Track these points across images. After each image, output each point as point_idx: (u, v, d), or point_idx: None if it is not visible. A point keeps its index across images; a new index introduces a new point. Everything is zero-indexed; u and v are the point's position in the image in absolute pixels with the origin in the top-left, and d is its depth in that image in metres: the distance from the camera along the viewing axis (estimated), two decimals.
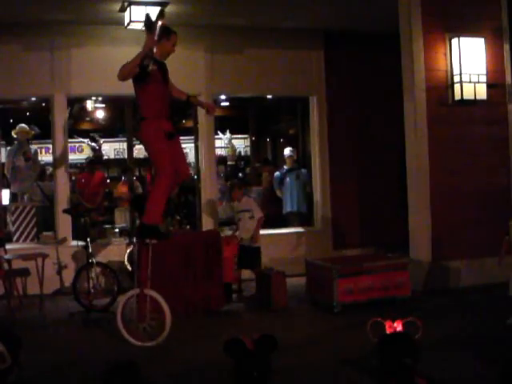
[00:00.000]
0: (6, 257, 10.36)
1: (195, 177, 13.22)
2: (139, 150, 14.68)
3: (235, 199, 11.02)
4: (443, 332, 7.86)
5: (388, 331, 6.07)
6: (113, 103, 15.73)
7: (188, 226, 13.25)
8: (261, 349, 5.49)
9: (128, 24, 10.90)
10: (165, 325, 7.87)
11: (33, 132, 13.24)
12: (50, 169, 13.82)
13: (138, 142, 12.52)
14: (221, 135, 16.01)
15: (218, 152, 15.22)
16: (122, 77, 7.72)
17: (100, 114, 16.90)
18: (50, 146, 13.17)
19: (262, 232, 11.24)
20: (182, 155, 8.42)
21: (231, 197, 11.25)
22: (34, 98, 13.51)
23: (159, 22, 7.62)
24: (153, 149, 7.95)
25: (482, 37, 10.99)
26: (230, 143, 16.62)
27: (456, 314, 9.09)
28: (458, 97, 10.84)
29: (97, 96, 14.36)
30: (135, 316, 8.11)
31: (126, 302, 8.16)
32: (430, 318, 7.35)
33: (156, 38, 7.65)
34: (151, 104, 7.79)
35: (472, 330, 8.12)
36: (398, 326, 6.06)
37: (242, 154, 17.25)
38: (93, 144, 15.35)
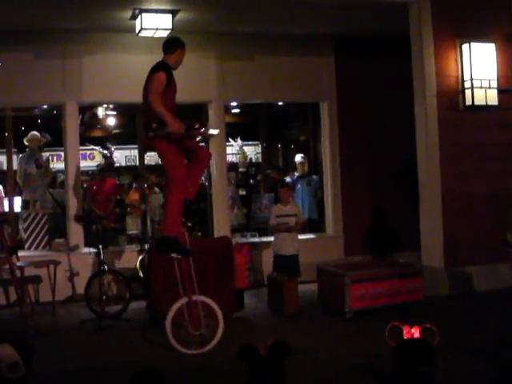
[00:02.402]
0: (19, 264, 10.40)
1: (206, 183, 13.24)
2: (151, 157, 14.71)
3: (285, 201, 10.98)
4: (456, 337, 7.82)
5: (405, 337, 6.05)
6: (124, 110, 15.75)
7: (199, 233, 13.25)
8: (274, 355, 5.48)
9: (139, 32, 10.92)
10: (217, 330, 7.96)
11: (44, 139, 13.28)
12: (62, 176, 13.87)
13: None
14: (232, 142, 16.01)
15: (229, 159, 15.21)
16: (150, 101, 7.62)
17: (111, 122, 16.92)
18: (62, 153, 13.21)
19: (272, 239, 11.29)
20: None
21: (281, 198, 11.12)
22: (45, 106, 13.55)
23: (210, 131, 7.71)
24: (170, 161, 7.91)
25: (493, 42, 10.99)
26: (241, 150, 16.61)
27: (469, 319, 9.06)
28: (468, 102, 10.84)
29: (108, 103, 14.40)
30: (188, 324, 8.03)
31: (176, 311, 8.06)
32: (443, 324, 7.30)
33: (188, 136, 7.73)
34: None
35: (485, 335, 8.09)
36: (416, 332, 6.04)
37: (253, 160, 17.23)
38: (104, 151, 15.37)
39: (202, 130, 7.80)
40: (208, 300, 8.05)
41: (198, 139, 8.05)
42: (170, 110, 7.73)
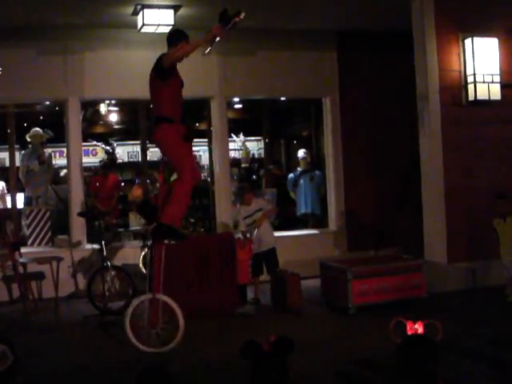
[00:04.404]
0: (21, 260, 10.42)
1: (209, 179, 13.23)
2: (153, 153, 14.70)
3: (246, 203, 10.90)
4: (457, 333, 7.80)
5: (409, 332, 6.03)
6: (126, 106, 15.74)
7: (202, 229, 13.25)
8: (277, 351, 5.47)
9: (141, 27, 10.92)
10: (178, 330, 7.79)
11: (47, 136, 13.28)
12: (61, 172, 13.90)
13: (154, 146, 12.49)
14: (234, 138, 16.00)
15: (232, 154, 15.21)
16: (175, 60, 7.56)
17: (113, 118, 16.91)
18: (64, 149, 13.20)
19: (276, 234, 11.26)
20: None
21: (244, 201, 11.04)
22: (47, 102, 13.54)
23: (236, 19, 7.57)
24: (175, 152, 7.87)
25: (496, 37, 10.96)
26: (244, 145, 16.61)
27: (471, 315, 9.06)
28: (471, 97, 10.82)
29: (110, 99, 14.39)
30: (147, 321, 7.86)
31: (137, 307, 7.92)
32: (446, 320, 7.28)
33: (226, 30, 7.59)
34: (171, 103, 7.65)
35: (487, 331, 8.08)
36: (420, 328, 6.02)
37: (256, 156, 17.22)
38: (107, 147, 15.38)
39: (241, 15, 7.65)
40: (168, 299, 7.90)
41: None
42: (180, 104, 7.77)
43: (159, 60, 7.61)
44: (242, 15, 7.55)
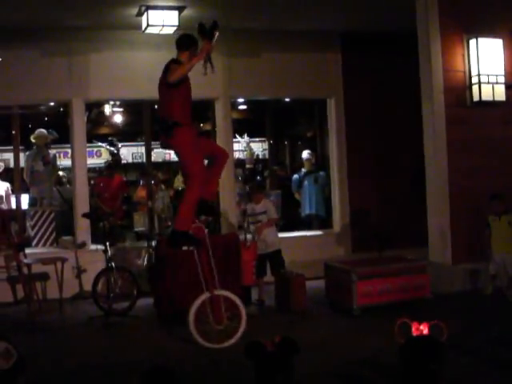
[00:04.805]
0: (26, 261, 10.42)
1: None
2: (157, 154, 14.71)
3: (255, 201, 10.94)
4: (462, 334, 7.78)
5: (414, 333, 6.03)
6: (131, 107, 15.77)
7: (207, 230, 13.22)
8: (282, 352, 5.47)
9: (145, 28, 10.92)
10: (240, 323, 7.99)
11: (51, 137, 13.31)
12: (60, 173, 13.93)
13: (158, 147, 12.49)
14: (239, 138, 16.01)
15: (236, 155, 15.21)
16: (176, 79, 7.62)
17: (118, 119, 16.94)
18: (69, 150, 13.22)
19: (280, 235, 11.25)
20: None
21: (251, 198, 11.12)
22: (52, 103, 13.54)
23: (216, 32, 7.68)
24: (189, 157, 7.91)
25: (500, 38, 10.95)
26: (248, 146, 16.61)
27: (475, 315, 9.04)
28: (476, 98, 10.81)
29: (114, 100, 14.42)
30: (211, 318, 8.04)
31: (198, 307, 8.07)
32: (451, 320, 7.27)
33: (213, 44, 7.68)
34: (183, 108, 7.73)
35: (492, 331, 8.05)
36: (425, 329, 6.02)
37: (260, 157, 17.22)
38: (111, 148, 15.40)
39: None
40: (229, 294, 8.09)
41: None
42: (189, 107, 7.82)
43: (167, 69, 7.67)
44: (219, 25, 7.70)
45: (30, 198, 12.96)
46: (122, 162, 16.23)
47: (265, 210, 10.75)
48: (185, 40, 8.01)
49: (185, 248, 8.31)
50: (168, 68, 7.71)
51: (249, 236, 10.58)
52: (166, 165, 16.95)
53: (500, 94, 10.88)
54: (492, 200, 10.13)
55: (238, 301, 8.10)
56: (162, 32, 10.88)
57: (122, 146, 16.34)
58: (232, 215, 12.67)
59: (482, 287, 10.24)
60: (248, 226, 10.88)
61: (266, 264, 10.63)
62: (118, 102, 14.93)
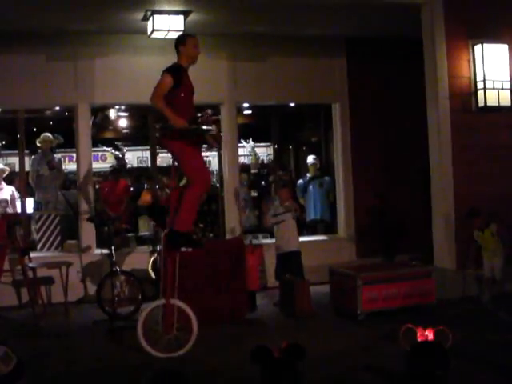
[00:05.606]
0: (31, 265, 10.44)
1: (218, 185, 13.22)
2: (163, 159, 14.72)
3: (284, 199, 11.02)
4: (466, 339, 7.75)
5: (419, 339, 6.02)
6: (136, 112, 15.77)
7: (211, 235, 13.25)
8: (288, 357, 5.47)
9: (151, 33, 10.94)
10: (191, 335, 7.84)
11: (57, 141, 13.30)
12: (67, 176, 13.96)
13: (164, 151, 12.51)
14: (244, 143, 16.01)
15: (241, 160, 15.22)
16: (152, 103, 7.77)
17: (123, 123, 16.95)
18: (74, 154, 13.23)
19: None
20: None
21: (280, 196, 11.22)
22: (57, 108, 13.54)
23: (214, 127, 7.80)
24: (188, 160, 7.92)
25: (506, 43, 10.94)
26: (253, 151, 16.61)
27: (480, 321, 9.02)
28: (481, 104, 10.80)
29: (120, 105, 14.41)
30: (160, 327, 7.94)
31: (149, 313, 8.03)
32: (455, 326, 7.27)
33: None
34: (183, 111, 7.74)
35: (496, 337, 8.05)
36: (430, 335, 6.01)
37: (265, 162, 17.23)
38: (116, 152, 15.41)
39: (211, 115, 7.79)
40: (183, 305, 7.93)
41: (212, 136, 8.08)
42: (187, 111, 7.78)
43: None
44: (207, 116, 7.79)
45: (35, 202, 12.97)
46: (127, 166, 16.24)
47: (289, 209, 10.85)
48: (175, 43, 8.06)
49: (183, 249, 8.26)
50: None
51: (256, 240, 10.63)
52: (171, 169, 16.91)
53: (505, 99, 10.87)
54: (472, 217, 10.24)
55: (191, 314, 7.89)
56: (167, 37, 10.88)
57: (127, 150, 16.35)
58: (236, 220, 12.66)
59: (480, 294, 10.27)
60: (272, 226, 11.06)
61: (286, 266, 10.67)
62: (123, 107, 14.92)
